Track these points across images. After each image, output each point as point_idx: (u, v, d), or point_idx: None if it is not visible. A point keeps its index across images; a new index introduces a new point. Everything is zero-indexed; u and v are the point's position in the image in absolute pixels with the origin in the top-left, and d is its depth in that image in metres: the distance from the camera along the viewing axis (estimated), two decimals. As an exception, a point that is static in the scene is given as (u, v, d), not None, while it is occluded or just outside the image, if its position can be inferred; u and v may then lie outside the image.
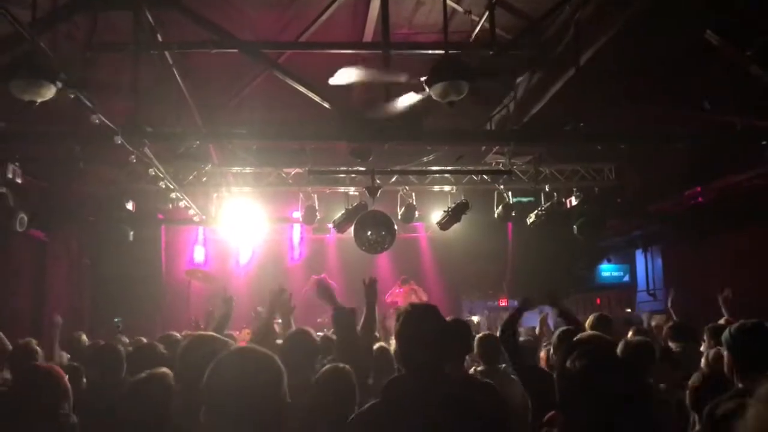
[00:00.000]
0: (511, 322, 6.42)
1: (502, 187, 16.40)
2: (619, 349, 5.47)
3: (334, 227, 16.24)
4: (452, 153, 15.78)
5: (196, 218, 16.30)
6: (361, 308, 5.79)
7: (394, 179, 16.22)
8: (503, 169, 15.80)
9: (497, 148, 15.10)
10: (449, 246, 19.97)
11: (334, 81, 9.13)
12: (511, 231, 20.17)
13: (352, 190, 16.20)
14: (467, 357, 6.87)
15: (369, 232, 15.57)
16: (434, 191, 16.72)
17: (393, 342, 6.52)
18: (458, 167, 15.97)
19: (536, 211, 16.73)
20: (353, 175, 15.89)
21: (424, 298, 17.48)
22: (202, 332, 5.11)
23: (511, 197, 16.46)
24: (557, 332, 6.64)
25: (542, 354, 8.08)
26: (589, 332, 5.81)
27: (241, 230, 17.83)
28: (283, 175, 16.12)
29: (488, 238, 18.93)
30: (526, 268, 19.12)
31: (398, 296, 17.53)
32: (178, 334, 7.44)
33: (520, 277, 19.90)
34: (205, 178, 15.81)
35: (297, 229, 20.34)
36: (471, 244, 19.21)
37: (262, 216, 17.08)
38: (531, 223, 16.82)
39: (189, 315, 12.09)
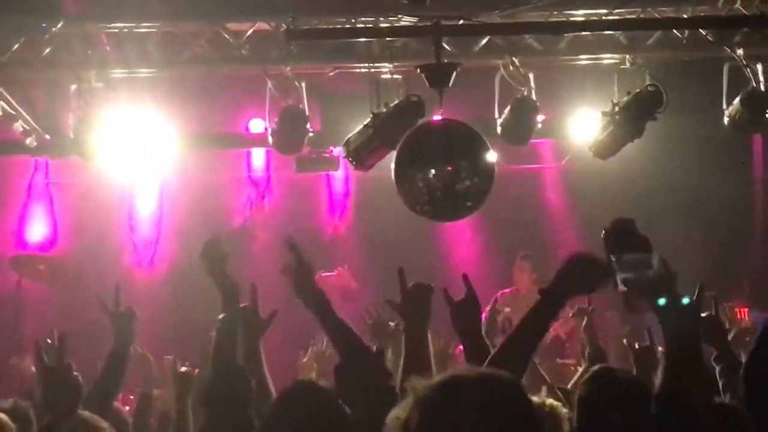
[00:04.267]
0: None
1: (740, 52, 10.02)
2: None
3: (347, 157, 10.29)
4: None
5: (31, 142, 10.30)
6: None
7: (484, 42, 10.00)
8: (748, 14, 9.72)
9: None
10: (611, 191, 12.08)
11: None
12: (761, 157, 12.94)
13: (386, 72, 10.04)
14: None
15: (430, 172, 9.22)
16: (577, 68, 10.77)
17: None
18: (635, 10, 9.90)
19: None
20: (390, 39, 9.92)
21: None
22: None
23: (763, 77, 9.97)
24: None
25: None
26: None
27: (134, 167, 11.19)
28: (227, 37, 9.89)
29: (703, 175, 12.09)
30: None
31: None
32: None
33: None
34: (48, 50, 9.58)
35: (259, 158, 13.37)
36: (662, 189, 12.18)
37: (177, 134, 10.53)
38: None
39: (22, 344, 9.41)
